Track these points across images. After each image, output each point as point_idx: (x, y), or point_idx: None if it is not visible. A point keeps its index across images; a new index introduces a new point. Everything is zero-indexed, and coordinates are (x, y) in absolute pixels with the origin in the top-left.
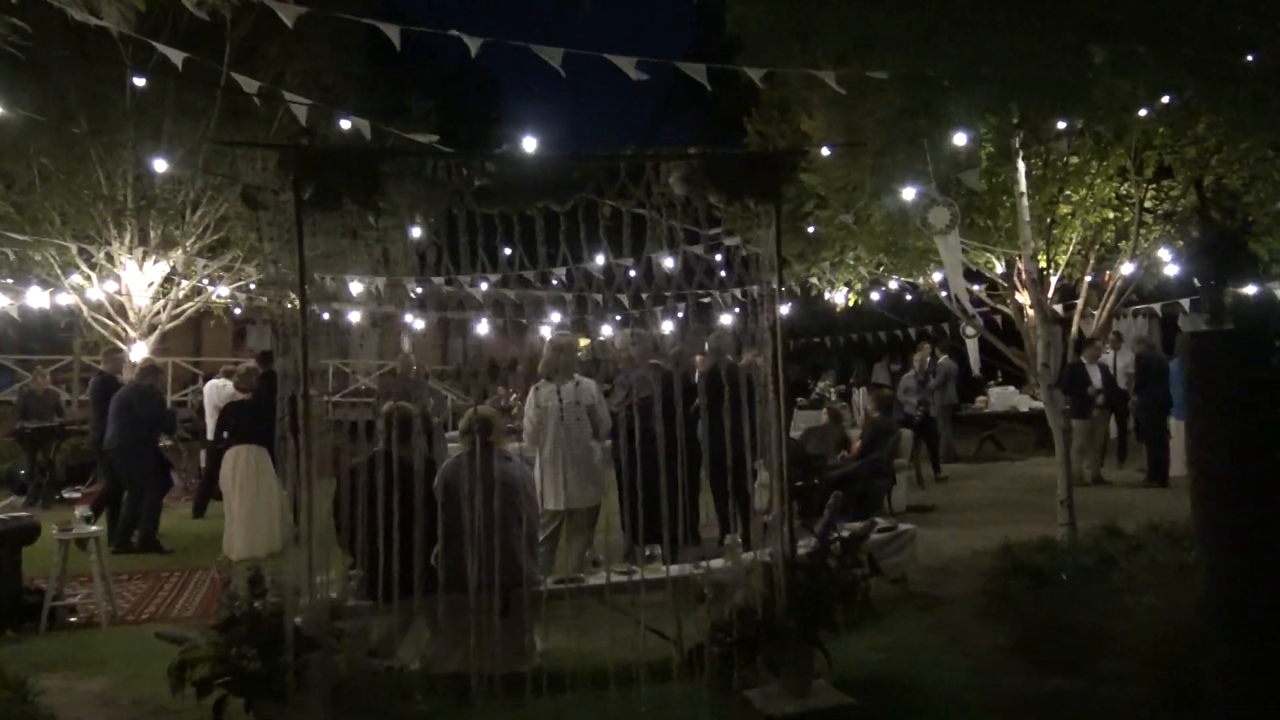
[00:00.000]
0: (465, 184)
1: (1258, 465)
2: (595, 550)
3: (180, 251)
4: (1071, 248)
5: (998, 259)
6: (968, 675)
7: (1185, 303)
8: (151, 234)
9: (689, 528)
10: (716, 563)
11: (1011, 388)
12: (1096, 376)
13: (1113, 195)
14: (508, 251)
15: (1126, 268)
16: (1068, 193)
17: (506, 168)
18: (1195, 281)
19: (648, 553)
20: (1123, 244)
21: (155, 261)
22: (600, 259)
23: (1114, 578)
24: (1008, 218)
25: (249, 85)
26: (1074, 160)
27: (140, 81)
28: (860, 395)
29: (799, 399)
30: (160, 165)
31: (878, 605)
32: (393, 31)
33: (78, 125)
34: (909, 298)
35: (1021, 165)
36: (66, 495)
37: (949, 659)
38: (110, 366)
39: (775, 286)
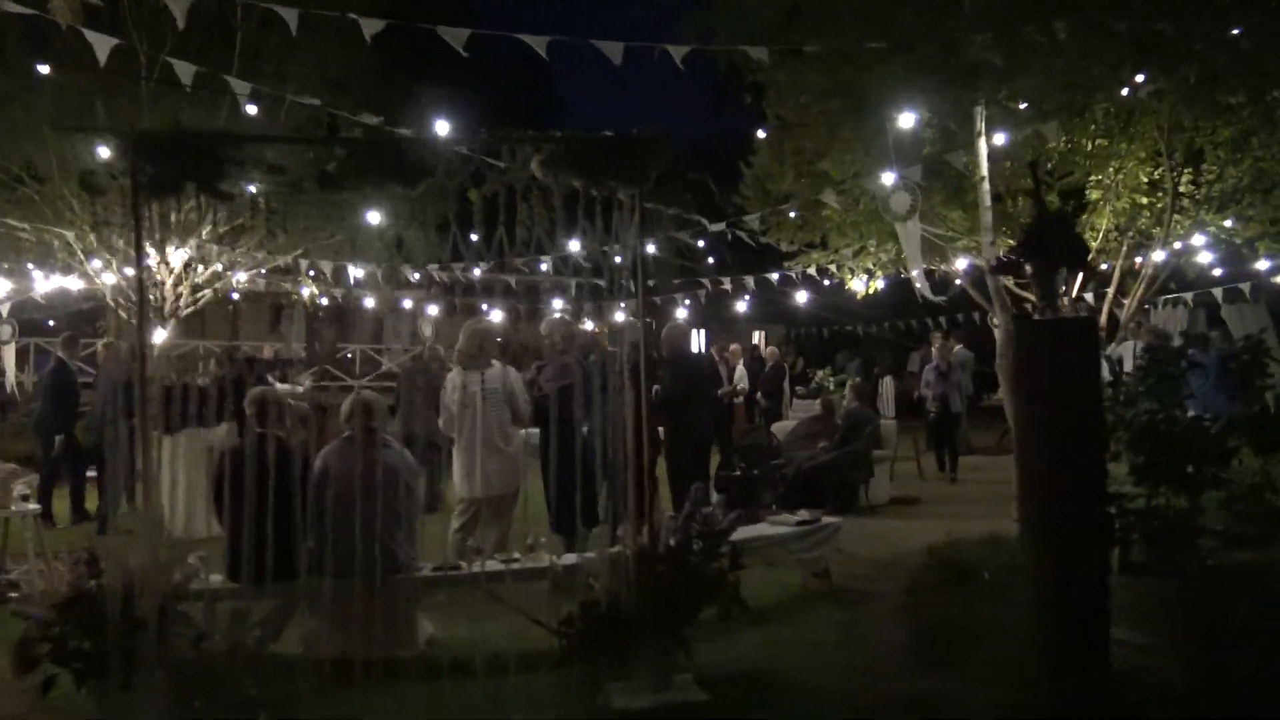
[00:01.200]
0: (307, 169)
1: (1077, 456)
2: (477, 539)
3: (196, 238)
4: (1102, 234)
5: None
6: (845, 674)
7: (1219, 292)
8: (173, 218)
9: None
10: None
11: None
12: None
13: (1144, 180)
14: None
15: (1159, 255)
16: (1097, 177)
17: (354, 151)
18: (1027, 269)
19: (529, 541)
20: (1157, 230)
21: (176, 248)
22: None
23: None
24: (1023, 207)
25: (185, 73)
26: (1102, 143)
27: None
28: (887, 385)
29: (798, 388)
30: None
31: (794, 599)
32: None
33: (94, 114)
34: (918, 285)
35: (983, 147)
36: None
37: (837, 657)
38: (68, 352)
39: (637, 273)
